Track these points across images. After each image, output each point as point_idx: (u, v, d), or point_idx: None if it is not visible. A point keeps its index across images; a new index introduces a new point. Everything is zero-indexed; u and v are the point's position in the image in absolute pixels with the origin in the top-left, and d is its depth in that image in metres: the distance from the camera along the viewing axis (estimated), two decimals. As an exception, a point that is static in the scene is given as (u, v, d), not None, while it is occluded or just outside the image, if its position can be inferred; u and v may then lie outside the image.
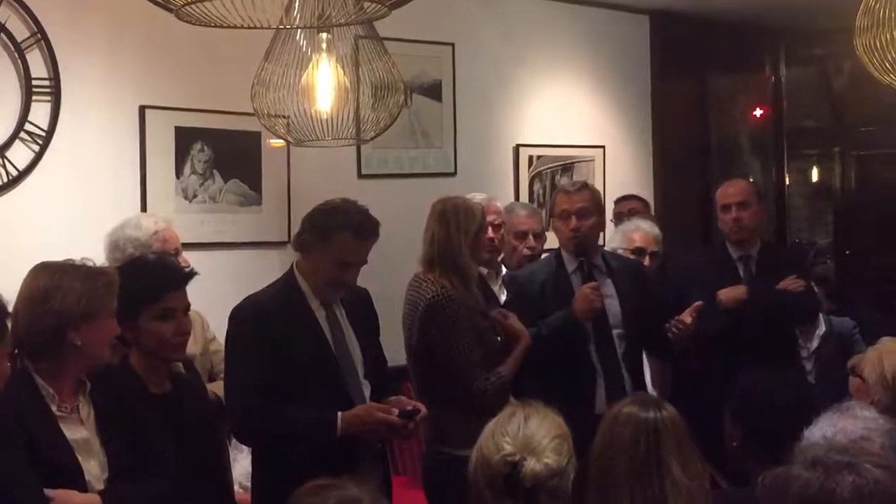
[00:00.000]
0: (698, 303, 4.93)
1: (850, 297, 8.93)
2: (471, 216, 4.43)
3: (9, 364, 2.93)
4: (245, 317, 3.87)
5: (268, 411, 3.74)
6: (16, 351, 3.02)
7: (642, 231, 5.60)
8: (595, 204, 4.89)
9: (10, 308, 2.96)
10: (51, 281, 3.07)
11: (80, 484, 3.00)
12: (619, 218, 6.38)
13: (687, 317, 4.89)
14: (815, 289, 6.10)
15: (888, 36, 3.21)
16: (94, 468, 3.07)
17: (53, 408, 3.05)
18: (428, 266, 4.42)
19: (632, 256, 5.38)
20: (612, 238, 5.70)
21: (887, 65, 3.28)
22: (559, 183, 6.96)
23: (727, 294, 5.29)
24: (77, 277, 3.10)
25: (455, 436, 4.16)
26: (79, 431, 3.08)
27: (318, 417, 3.78)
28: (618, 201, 6.72)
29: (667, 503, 2.77)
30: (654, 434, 2.94)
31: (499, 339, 4.47)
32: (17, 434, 2.91)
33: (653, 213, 6.79)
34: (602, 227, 5.10)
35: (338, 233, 3.84)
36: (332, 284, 3.90)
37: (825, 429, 2.63)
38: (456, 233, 4.39)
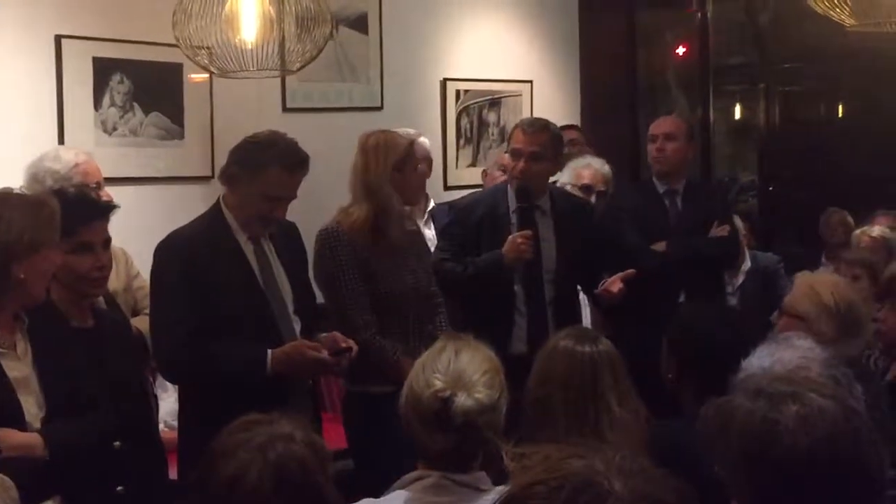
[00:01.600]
0: (630, 270, 4.79)
1: (774, 233, 9.03)
2: (391, 149, 4.33)
3: None
4: (171, 251, 3.78)
5: (195, 348, 3.67)
6: None
7: (593, 168, 5.56)
8: (551, 148, 4.78)
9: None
10: None
11: (20, 422, 2.96)
12: None
13: (615, 285, 4.75)
14: (741, 225, 6.18)
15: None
16: (31, 406, 3.02)
17: None
18: (352, 197, 4.34)
19: (579, 193, 5.34)
20: (562, 172, 5.62)
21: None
22: (486, 118, 6.91)
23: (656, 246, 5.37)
24: (19, 207, 3.02)
25: (362, 373, 4.09)
26: (17, 369, 3.01)
27: (247, 355, 3.72)
28: None
29: (603, 436, 2.76)
30: (589, 367, 2.93)
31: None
32: None
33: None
34: (554, 169, 5.00)
35: (267, 166, 3.75)
36: (260, 219, 3.82)
37: (762, 359, 2.62)
38: (374, 165, 4.29)
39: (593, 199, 5.42)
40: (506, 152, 4.96)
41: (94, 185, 4.29)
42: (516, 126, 4.96)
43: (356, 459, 4.29)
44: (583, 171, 5.50)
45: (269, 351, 3.70)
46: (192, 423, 3.74)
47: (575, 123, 6.79)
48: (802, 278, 3.76)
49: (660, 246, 5.36)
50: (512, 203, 4.79)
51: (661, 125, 5.66)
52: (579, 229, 4.85)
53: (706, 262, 5.45)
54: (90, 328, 3.37)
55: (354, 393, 4.31)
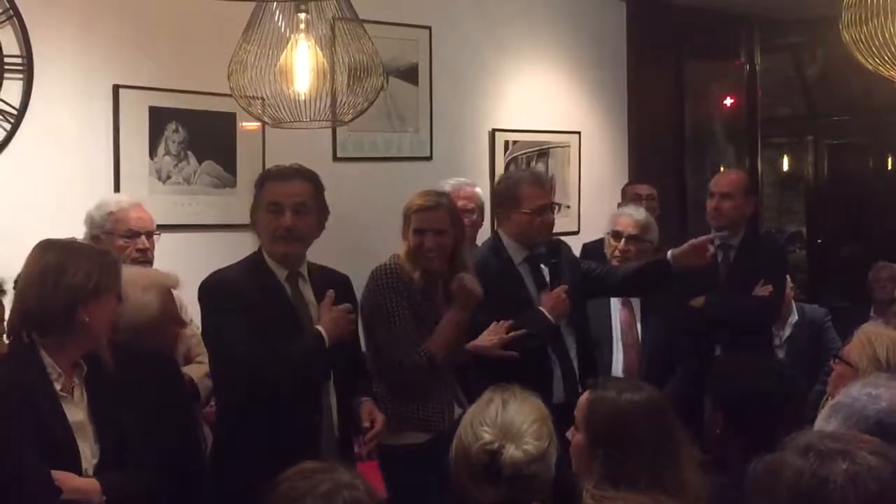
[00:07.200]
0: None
1: (821, 286, 8.98)
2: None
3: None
4: (215, 285, 3.89)
5: (265, 351, 3.72)
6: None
7: (627, 216, 5.42)
8: None
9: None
10: (61, 257, 3.08)
11: (76, 467, 3.00)
12: (635, 201, 6.34)
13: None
14: (790, 284, 6.12)
15: (878, 21, 3.19)
16: (87, 452, 3.05)
17: (57, 387, 3.03)
18: None
19: (612, 241, 5.31)
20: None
21: (873, 49, 3.26)
22: (535, 168, 6.93)
23: (694, 302, 5.32)
24: (86, 255, 3.14)
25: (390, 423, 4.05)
26: (76, 414, 3.06)
27: (304, 338, 3.79)
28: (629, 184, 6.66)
29: (684, 477, 2.68)
30: (657, 409, 2.87)
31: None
32: (27, 410, 2.89)
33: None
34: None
35: (262, 186, 3.96)
36: (274, 234, 3.88)
37: (868, 388, 2.56)
38: None
39: (622, 243, 5.28)
40: (512, 208, 4.71)
41: (125, 233, 4.38)
42: (526, 181, 4.77)
43: None
44: (619, 219, 5.39)
45: (318, 326, 3.79)
46: (226, 470, 3.76)
47: (628, 180, 6.81)
48: (865, 329, 3.73)
49: (698, 301, 5.29)
50: (516, 255, 4.68)
51: (718, 183, 5.57)
52: (576, 271, 4.82)
53: (740, 322, 5.33)
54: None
55: (390, 445, 4.20)
